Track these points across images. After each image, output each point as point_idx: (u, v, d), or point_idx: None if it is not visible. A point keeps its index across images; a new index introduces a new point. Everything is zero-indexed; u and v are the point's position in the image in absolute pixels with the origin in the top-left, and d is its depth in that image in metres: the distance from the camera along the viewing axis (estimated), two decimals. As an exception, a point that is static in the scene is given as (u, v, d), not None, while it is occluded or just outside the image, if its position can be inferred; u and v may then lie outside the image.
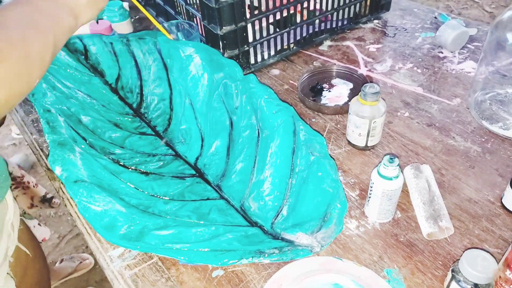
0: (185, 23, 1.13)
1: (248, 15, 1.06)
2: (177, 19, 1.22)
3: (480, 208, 0.79)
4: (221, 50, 1.08)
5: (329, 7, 1.21)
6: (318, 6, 1.19)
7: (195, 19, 1.16)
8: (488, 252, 0.62)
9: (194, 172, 0.88)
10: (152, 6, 1.41)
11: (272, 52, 1.19)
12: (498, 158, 0.88)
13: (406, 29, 1.29)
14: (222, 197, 0.83)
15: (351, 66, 1.15)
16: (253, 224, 0.77)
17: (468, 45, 1.19)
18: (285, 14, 1.13)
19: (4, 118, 1.48)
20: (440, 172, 0.86)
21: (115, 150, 0.90)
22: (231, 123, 0.92)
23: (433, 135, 0.94)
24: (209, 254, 0.71)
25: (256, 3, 1.05)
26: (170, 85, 1.01)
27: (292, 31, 1.18)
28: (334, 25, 1.28)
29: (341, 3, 1.23)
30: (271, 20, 1.12)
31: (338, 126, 0.99)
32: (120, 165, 0.87)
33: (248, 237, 0.74)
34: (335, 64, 1.18)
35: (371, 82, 1.06)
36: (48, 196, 1.86)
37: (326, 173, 0.78)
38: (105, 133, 0.93)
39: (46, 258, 1.81)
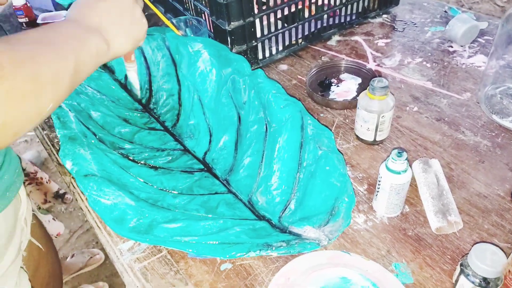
0: (194, 19, 1.13)
1: (256, 11, 1.06)
2: (186, 15, 1.23)
3: (490, 203, 0.79)
4: (229, 46, 1.08)
5: (338, 2, 1.20)
6: (326, 1, 1.19)
7: (203, 15, 1.17)
8: (497, 246, 0.62)
9: (202, 167, 0.89)
10: (161, 2, 1.41)
11: (280, 47, 1.19)
12: (509, 153, 0.87)
13: (415, 24, 1.29)
14: (230, 191, 0.83)
15: (360, 61, 1.15)
16: (260, 217, 0.78)
17: (479, 39, 1.19)
18: (293, 9, 1.13)
19: None
20: (449, 167, 0.86)
21: (125, 145, 0.91)
22: (239, 118, 0.92)
23: (442, 129, 0.94)
24: (217, 247, 0.71)
25: (264, -2, 1.05)
26: (178, 80, 1.02)
27: (300, 26, 1.18)
28: (342, 20, 1.28)
29: (350, -2, 1.23)
30: (279, 15, 1.11)
31: (347, 121, 0.99)
32: (130, 159, 0.87)
33: (256, 231, 0.74)
34: (343, 59, 1.17)
35: (380, 76, 1.05)
36: (61, 192, 1.88)
37: (334, 167, 0.78)
38: (114, 128, 0.94)
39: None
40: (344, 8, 1.23)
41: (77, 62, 0.53)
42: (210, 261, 0.74)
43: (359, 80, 1.10)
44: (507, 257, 0.62)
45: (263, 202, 0.80)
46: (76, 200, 0.89)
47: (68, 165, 0.81)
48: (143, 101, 1.03)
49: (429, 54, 1.16)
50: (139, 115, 1.00)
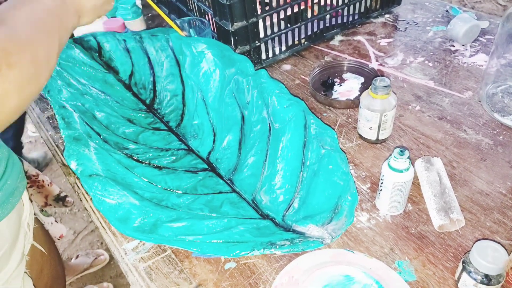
0: (197, 19, 1.14)
1: (259, 11, 1.07)
2: (189, 16, 1.23)
3: (492, 200, 0.79)
4: (233, 46, 1.09)
5: (340, 2, 1.21)
6: (329, 1, 1.19)
7: (206, 15, 1.17)
8: (499, 243, 0.62)
9: (206, 166, 0.90)
10: (165, 3, 1.42)
11: (283, 48, 1.20)
12: (510, 151, 0.88)
13: (417, 23, 1.29)
14: (234, 191, 0.84)
15: (362, 61, 1.16)
16: (264, 216, 0.78)
17: (480, 38, 1.19)
18: (296, 9, 1.13)
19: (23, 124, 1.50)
20: (451, 165, 0.86)
21: (129, 145, 0.91)
22: (243, 118, 0.93)
23: (444, 128, 0.94)
24: (221, 246, 0.72)
25: (267, -1, 1.06)
26: (182, 81, 1.03)
27: (303, 27, 1.19)
28: (345, 20, 1.28)
29: (352, -2, 1.23)
30: (282, 15, 1.12)
31: (349, 120, 0.99)
32: (134, 159, 0.88)
33: (260, 229, 0.74)
34: (346, 58, 1.18)
35: (382, 76, 1.06)
36: (62, 195, 1.88)
37: (337, 166, 0.79)
38: (118, 128, 0.95)
39: (62, 255, 1.84)
40: (346, 8, 1.24)
41: (60, 40, 0.58)
42: (214, 260, 0.75)
43: (362, 79, 1.10)
44: (509, 254, 0.62)
45: (267, 201, 0.81)
46: (81, 200, 0.90)
47: (73, 165, 0.81)
48: (147, 101, 1.03)
49: (431, 53, 1.17)
50: (143, 115, 1.00)
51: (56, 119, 0.91)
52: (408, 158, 0.71)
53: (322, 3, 1.17)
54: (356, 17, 1.30)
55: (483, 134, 0.92)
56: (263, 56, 1.17)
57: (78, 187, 0.92)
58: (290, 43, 1.20)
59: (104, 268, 1.98)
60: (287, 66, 1.19)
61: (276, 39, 1.16)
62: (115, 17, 1.29)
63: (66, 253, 2.07)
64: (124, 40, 1.08)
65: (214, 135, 0.94)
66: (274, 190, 0.81)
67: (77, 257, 1.95)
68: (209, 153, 0.92)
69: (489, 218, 0.76)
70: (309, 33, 1.22)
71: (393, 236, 0.75)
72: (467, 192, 0.81)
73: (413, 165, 0.82)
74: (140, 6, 1.39)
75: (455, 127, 0.94)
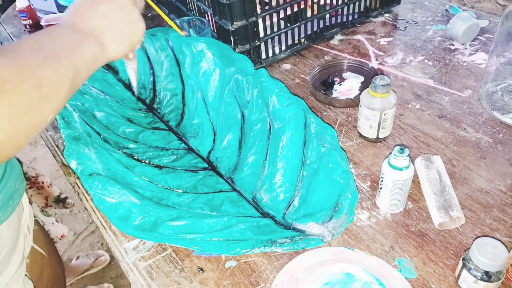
0: (197, 19, 1.14)
1: (259, 10, 1.07)
2: (189, 16, 1.23)
3: (492, 198, 0.79)
4: (233, 46, 1.09)
5: (340, 1, 1.21)
6: (328, 1, 1.20)
7: (206, 15, 1.17)
8: (499, 241, 0.62)
9: (206, 166, 0.90)
10: (164, 3, 1.42)
11: (283, 47, 1.20)
12: (510, 149, 0.88)
13: (417, 22, 1.29)
14: (234, 189, 0.84)
15: (362, 60, 1.16)
16: (265, 215, 0.78)
17: (480, 37, 1.19)
18: (295, 9, 1.13)
19: None
20: (451, 163, 0.86)
21: (129, 145, 0.91)
22: (243, 117, 0.93)
23: (444, 126, 0.94)
24: (221, 244, 0.72)
25: (266, -2, 1.06)
26: (182, 80, 1.03)
27: (303, 26, 1.19)
28: (344, 19, 1.28)
29: (352, -3, 1.23)
30: (282, 15, 1.12)
31: (349, 119, 0.99)
32: (134, 159, 0.88)
33: (260, 228, 0.75)
34: (346, 57, 1.18)
35: (382, 74, 1.06)
36: (62, 196, 1.87)
37: (337, 165, 0.79)
38: (118, 128, 0.95)
39: (62, 256, 1.84)
40: (346, 7, 1.24)
41: (75, 70, 0.53)
42: (215, 259, 0.75)
43: (362, 78, 1.11)
44: (509, 251, 0.62)
45: (267, 200, 0.81)
46: (81, 200, 0.90)
47: (73, 164, 0.81)
48: (147, 101, 1.04)
49: (431, 52, 1.17)
50: (143, 115, 1.01)
51: (56, 119, 0.91)
52: (408, 156, 0.71)
53: (322, 2, 1.18)
54: (355, 16, 1.31)
55: (482, 132, 0.92)
56: (263, 56, 1.17)
57: (78, 187, 0.92)
58: (290, 42, 1.20)
59: (105, 269, 1.98)
60: (287, 66, 1.19)
61: (276, 38, 1.16)
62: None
63: (66, 254, 2.07)
64: (124, 40, 1.08)
65: (214, 134, 0.94)
66: (275, 188, 0.81)
67: (77, 258, 1.96)
68: (209, 152, 0.92)
69: (489, 216, 0.76)
70: (309, 32, 1.22)
71: (394, 234, 0.75)
72: (467, 190, 0.81)
73: (413, 163, 0.82)
74: (140, 6, 1.39)
75: (455, 125, 0.94)
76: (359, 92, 1.06)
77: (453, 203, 0.76)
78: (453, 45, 1.18)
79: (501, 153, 0.87)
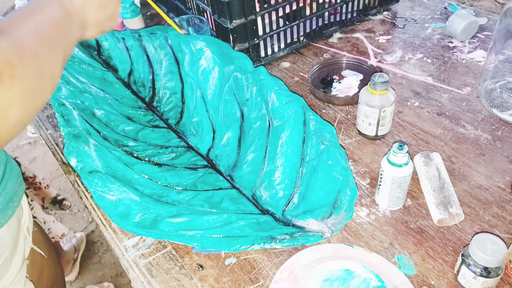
0: (196, 18, 1.14)
1: (257, 9, 1.07)
2: (188, 14, 1.23)
3: (491, 195, 0.79)
4: (232, 44, 1.09)
5: (338, 0, 1.21)
6: (327, -1, 1.20)
7: (205, 13, 1.18)
8: (498, 237, 0.62)
9: (206, 163, 0.90)
10: (163, 2, 1.42)
11: (282, 45, 1.20)
12: (509, 145, 0.88)
13: (415, 20, 1.29)
14: (234, 187, 0.84)
15: (361, 58, 1.16)
16: (264, 212, 0.79)
17: (478, 35, 1.19)
18: (294, 7, 1.14)
19: None
20: (450, 160, 0.86)
21: (129, 143, 0.92)
22: (242, 115, 0.93)
23: (443, 123, 0.94)
24: (221, 240, 0.72)
25: (265, -4, 1.06)
26: (181, 78, 1.03)
27: (301, 24, 1.19)
28: (343, 17, 1.28)
29: (350, -5, 1.23)
30: (280, 13, 1.12)
31: (349, 116, 0.99)
32: (134, 156, 0.88)
33: (260, 224, 0.75)
34: (345, 55, 1.18)
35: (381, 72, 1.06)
36: (59, 198, 1.87)
37: (336, 161, 0.79)
38: (118, 126, 0.95)
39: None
40: (345, 5, 1.24)
41: (65, 53, 0.56)
42: (215, 256, 0.75)
43: (361, 76, 1.11)
44: (508, 247, 0.62)
45: (267, 197, 0.81)
46: (81, 198, 0.90)
47: (73, 162, 0.82)
48: (147, 99, 1.04)
49: (430, 50, 1.17)
50: (142, 113, 1.01)
51: (55, 117, 0.91)
52: (407, 152, 0.72)
53: (321, 0, 1.18)
54: (354, 14, 1.31)
55: (481, 130, 0.92)
56: (262, 54, 1.17)
57: (78, 185, 0.92)
58: (289, 40, 1.20)
59: (104, 268, 1.98)
60: (286, 64, 1.19)
61: (275, 36, 1.16)
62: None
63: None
64: (123, 39, 1.08)
65: (214, 132, 0.94)
66: (274, 185, 0.81)
67: None
68: (209, 150, 0.92)
69: (488, 212, 0.76)
70: (307, 30, 1.22)
71: (393, 230, 0.76)
72: (466, 186, 0.81)
73: (412, 161, 0.83)
74: (139, 5, 1.39)
75: (454, 122, 0.94)
76: (358, 90, 1.06)
77: (452, 200, 0.76)
78: (452, 42, 1.18)
79: (500, 150, 0.87)
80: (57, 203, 1.86)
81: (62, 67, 0.55)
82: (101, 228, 0.83)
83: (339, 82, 1.10)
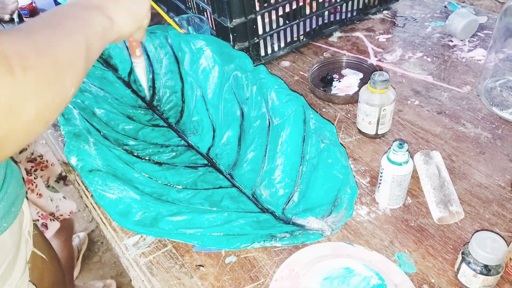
0: (196, 17, 1.14)
1: (257, 8, 1.07)
2: (188, 14, 1.24)
3: (491, 193, 0.79)
4: (231, 43, 1.09)
5: (338, -1, 1.21)
6: (327, -2, 1.20)
7: (205, 13, 1.17)
8: (498, 235, 0.62)
9: (206, 162, 0.90)
10: (163, 1, 1.42)
11: (282, 44, 1.20)
12: (509, 144, 0.88)
13: (415, 19, 1.29)
14: (234, 185, 0.84)
15: (361, 56, 1.16)
16: (264, 210, 0.79)
17: (478, 33, 1.19)
18: (294, 6, 1.14)
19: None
20: (450, 159, 0.86)
21: (129, 142, 0.92)
22: (242, 114, 0.93)
23: (443, 122, 0.94)
24: (221, 239, 0.72)
25: (265, -4, 1.06)
26: (181, 78, 1.03)
27: (301, 23, 1.19)
28: (343, 17, 1.28)
29: (350, -6, 1.23)
30: (280, 12, 1.12)
31: (349, 115, 0.99)
32: (134, 155, 0.88)
33: (260, 223, 0.75)
34: (345, 54, 1.18)
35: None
36: (63, 174, 1.83)
37: (336, 160, 0.79)
38: (118, 125, 0.95)
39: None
40: (345, 4, 1.24)
41: (87, 43, 0.53)
42: (215, 254, 0.75)
43: (361, 75, 1.11)
44: (508, 245, 0.62)
45: (267, 195, 0.81)
46: (81, 197, 0.91)
47: (73, 161, 0.82)
48: (147, 98, 1.04)
49: (430, 48, 1.17)
50: (142, 112, 1.01)
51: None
52: (407, 151, 0.72)
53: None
54: (354, 13, 1.31)
55: (481, 128, 0.92)
56: (262, 53, 1.17)
57: (79, 184, 0.92)
58: (288, 39, 1.20)
59: (105, 268, 1.98)
60: (286, 63, 1.19)
61: (275, 35, 1.16)
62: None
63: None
64: (123, 38, 1.08)
65: (214, 131, 0.95)
66: (274, 184, 0.81)
67: None
68: (209, 149, 0.92)
69: (488, 211, 0.76)
70: (307, 29, 1.22)
71: (393, 229, 0.76)
72: (466, 185, 0.81)
73: (412, 159, 0.83)
74: (139, 5, 1.39)
75: (454, 121, 0.94)
76: (358, 88, 1.06)
77: (452, 198, 0.76)
78: (452, 41, 1.18)
79: (500, 149, 0.87)
80: (62, 179, 1.84)
81: (88, 59, 0.53)
82: (101, 227, 0.83)
83: (339, 81, 1.10)
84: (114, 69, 1.06)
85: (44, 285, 0.93)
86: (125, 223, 0.75)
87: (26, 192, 1.39)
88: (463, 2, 2.89)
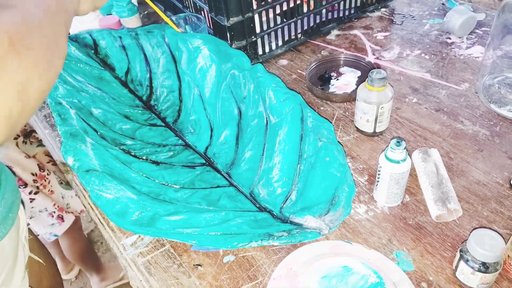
0: (193, 16, 1.14)
1: (255, 6, 1.07)
2: (185, 13, 1.23)
3: (489, 190, 0.79)
4: (229, 42, 1.09)
5: (336, -4, 1.21)
6: (324, -4, 1.19)
7: (202, 11, 1.17)
8: (497, 232, 0.62)
9: (204, 161, 0.90)
10: (160, 0, 1.42)
11: (280, 43, 1.20)
12: (507, 141, 0.88)
13: (413, 16, 1.29)
14: (231, 184, 0.84)
15: (359, 54, 1.16)
16: (262, 209, 0.78)
17: (476, 30, 1.19)
18: (292, 4, 1.13)
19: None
20: (448, 156, 0.86)
21: (126, 141, 0.91)
22: (240, 113, 0.93)
23: (441, 119, 0.94)
24: (219, 238, 0.72)
25: (262, -6, 1.06)
26: (179, 77, 1.03)
27: (299, 21, 1.18)
28: (341, 14, 1.28)
29: (348, -8, 1.23)
30: (278, 10, 1.12)
31: (347, 113, 0.99)
32: (131, 155, 0.88)
33: (258, 222, 0.75)
34: (342, 52, 1.18)
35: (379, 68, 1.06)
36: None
37: (334, 158, 0.79)
38: (115, 125, 0.95)
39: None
40: (342, 2, 1.24)
41: (66, 25, 0.54)
42: (213, 253, 0.75)
43: (359, 73, 1.10)
44: (506, 242, 0.62)
45: (265, 194, 0.81)
46: (79, 197, 0.90)
47: (70, 161, 0.81)
48: (144, 98, 1.03)
49: (428, 46, 1.17)
50: (140, 111, 1.01)
51: (52, 117, 0.91)
52: (404, 148, 0.71)
53: (318, -3, 1.18)
54: (352, 11, 1.30)
55: (480, 125, 0.92)
56: (260, 52, 1.17)
57: (76, 184, 0.92)
58: (286, 38, 1.20)
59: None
60: (283, 61, 1.19)
61: (273, 34, 1.16)
62: (111, 14, 1.29)
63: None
64: (120, 37, 1.07)
65: (211, 130, 0.94)
66: (272, 183, 0.81)
67: None
68: (207, 148, 0.92)
69: (486, 208, 0.76)
70: (305, 27, 1.22)
71: (391, 227, 0.75)
72: (464, 182, 0.81)
73: (410, 157, 0.82)
74: (136, 4, 1.39)
75: (452, 118, 0.94)
76: (356, 86, 1.06)
77: (451, 196, 0.76)
78: (450, 38, 1.18)
79: (498, 146, 0.87)
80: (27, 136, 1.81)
81: (66, 40, 0.53)
82: (99, 227, 0.83)
83: (337, 79, 1.09)
84: (111, 69, 1.06)
85: None
86: (122, 223, 0.75)
87: (37, 188, 1.40)
88: (461, -1, 2.89)
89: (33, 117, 1.11)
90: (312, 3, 1.17)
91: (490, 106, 0.95)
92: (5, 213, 0.75)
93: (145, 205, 0.76)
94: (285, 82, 0.95)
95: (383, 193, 0.77)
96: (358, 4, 1.30)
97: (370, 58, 1.15)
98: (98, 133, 0.89)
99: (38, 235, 1.51)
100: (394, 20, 1.29)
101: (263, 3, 1.08)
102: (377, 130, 0.91)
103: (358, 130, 0.94)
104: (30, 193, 1.38)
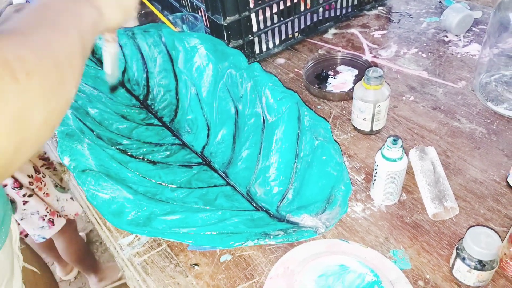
0: (190, 15, 1.14)
1: (252, 5, 1.06)
2: (182, 12, 1.23)
3: (486, 188, 0.79)
4: (226, 41, 1.09)
5: (333, -5, 1.21)
6: (321, -6, 1.19)
7: (199, 11, 1.17)
8: (493, 230, 0.62)
9: (201, 161, 0.90)
10: (158, 0, 1.42)
11: (277, 42, 1.19)
12: (504, 139, 0.88)
13: (410, 15, 1.29)
14: (228, 184, 0.84)
15: (356, 53, 1.15)
16: (259, 208, 0.78)
17: (473, 28, 1.19)
18: (289, 3, 1.13)
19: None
20: (445, 154, 0.86)
21: (123, 141, 0.91)
22: (237, 112, 0.93)
23: (438, 118, 0.94)
24: (215, 237, 0.72)
25: (259, -8, 1.05)
26: (175, 76, 1.02)
27: (296, 20, 1.18)
28: (338, 13, 1.28)
29: (345, -9, 1.23)
30: (275, 9, 1.12)
31: (344, 112, 0.99)
32: (128, 155, 0.88)
33: (254, 221, 0.75)
34: (340, 51, 1.18)
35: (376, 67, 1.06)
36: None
37: (330, 157, 0.79)
38: (112, 124, 0.95)
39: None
40: (339, 1, 1.24)
41: (81, 38, 0.49)
42: (210, 253, 0.75)
43: (356, 71, 1.10)
44: (502, 240, 0.62)
45: (261, 193, 0.81)
46: (76, 197, 0.90)
47: (66, 161, 0.81)
48: (141, 97, 1.03)
49: (425, 44, 1.17)
50: (136, 111, 1.00)
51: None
52: (401, 147, 0.71)
53: (315, -4, 1.17)
54: (349, 10, 1.30)
55: (477, 123, 0.92)
56: (257, 50, 1.16)
57: (73, 184, 0.92)
58: (283, 36, 1.20)
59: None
60: (281, 60, 1.19)
61: (270, 33, 1.16)
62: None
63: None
64: (117, 37, 1.07)
65: (208, 129, 0.94)
66: (269, 182, 0.81)
67: None
68: (203, 147, 0.92)
69: (483, 206, 0.76)
70: (302, 26, 1.22)
71: (388, 225, 0.75)
72: (461, 180, 0.81)
73: (407, 155, 0.82)
74: (133, 3, 1.39)
75: (449, 116, 0.94)
76: (353, 85, 1.06)
77: (447, 194, 0.76)
78: (447, 36, 1.18)
79: (495, 144, 0.87)
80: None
81: (84, 55, 0.49)
82: (96, 227, 0.83)
83: (334, 78, 1.09)
84: (108, 68, 1.06)
85: None
86: (118, 222, 0.75)
87: (32, 190, 1.39)
88: (459, -2, 2.88)
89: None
90: (309, 1, 1.17)
91: (487, 104, 0.95)
92: None
93: (142, 205, 0.76)
94: (282, 81, 0.95)
95: (380, 191, 0.77)
96: (355, 2, 1.29)
97: (367, 56, 1.15)
98: (95, 133, 0.89)
99: (28, 234, 1.51)
100: (391, 18, 1.29)
101: (260, 2, 1.07)
102: (374, 129, 0.91)
103: (355, 128, 0.94)
104: (24, 195, 1.38)
